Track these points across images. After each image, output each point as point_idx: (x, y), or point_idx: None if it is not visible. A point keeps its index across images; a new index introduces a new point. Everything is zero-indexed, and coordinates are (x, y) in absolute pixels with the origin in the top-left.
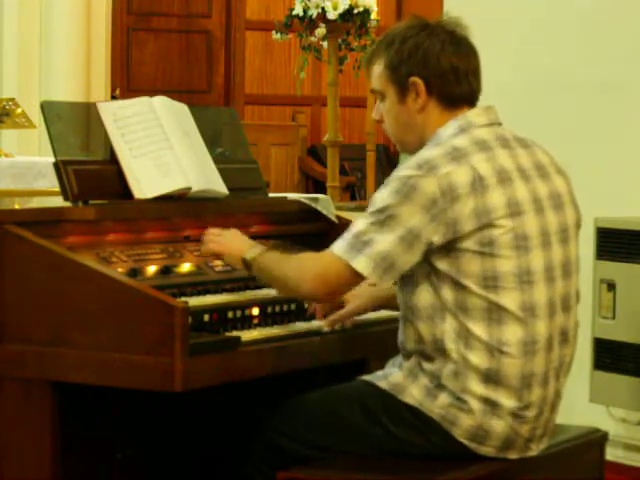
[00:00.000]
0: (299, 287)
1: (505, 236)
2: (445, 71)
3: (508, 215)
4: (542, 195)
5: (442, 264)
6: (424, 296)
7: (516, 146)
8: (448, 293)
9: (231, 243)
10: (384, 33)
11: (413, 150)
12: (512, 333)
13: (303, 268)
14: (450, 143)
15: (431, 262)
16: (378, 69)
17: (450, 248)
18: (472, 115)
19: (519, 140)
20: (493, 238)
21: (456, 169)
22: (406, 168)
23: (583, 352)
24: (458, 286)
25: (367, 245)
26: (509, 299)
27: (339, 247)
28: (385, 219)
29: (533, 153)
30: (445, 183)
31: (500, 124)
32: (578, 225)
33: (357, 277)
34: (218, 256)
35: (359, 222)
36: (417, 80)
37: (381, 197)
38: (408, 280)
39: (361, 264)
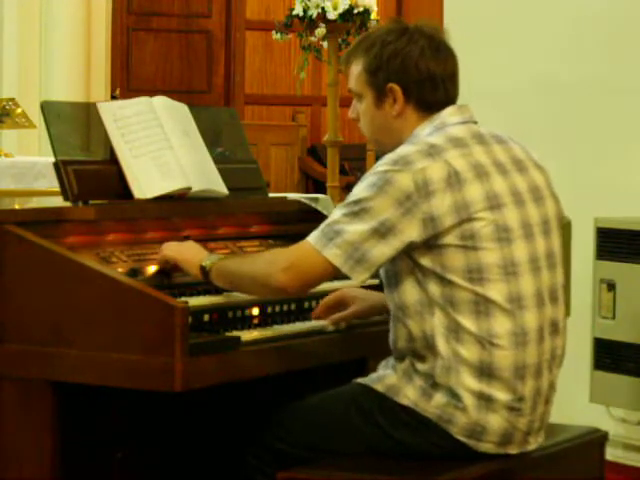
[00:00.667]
0: (271, 280)
1: (486, 228)
2: (423, 78)
3: (487, 208)
4: (521, 188)
5: (425, 260)
6: (410, 292)
7: (492, 142)
8: (434, 288)
9: (188, 251)
10: (364, 34)
11: (389, 150)
12: (500, 325)
13: (275, 260)
14: (425, 140)
15: (414, 258)
16: (356, 70)
17: (432, 244)
18: (446, 114)
19: (495, 137)
20: (474, 231)
21: (431, 164)
22: (383, 164)
23: (583, 352)
24: (444, 281)
25: (338, 235)
26: (495, 291)
27: (313, 236)
28: (359, 211)
29: (509, 148)
30: (420, 178)
31: (475, 122)
32: (559, 217)
33: (330, 268)
34: (175, 265)
35: (335, 212)
36: (395, 86)
37: (357, 190)
38: (393, 279)
39: (332, 254)
